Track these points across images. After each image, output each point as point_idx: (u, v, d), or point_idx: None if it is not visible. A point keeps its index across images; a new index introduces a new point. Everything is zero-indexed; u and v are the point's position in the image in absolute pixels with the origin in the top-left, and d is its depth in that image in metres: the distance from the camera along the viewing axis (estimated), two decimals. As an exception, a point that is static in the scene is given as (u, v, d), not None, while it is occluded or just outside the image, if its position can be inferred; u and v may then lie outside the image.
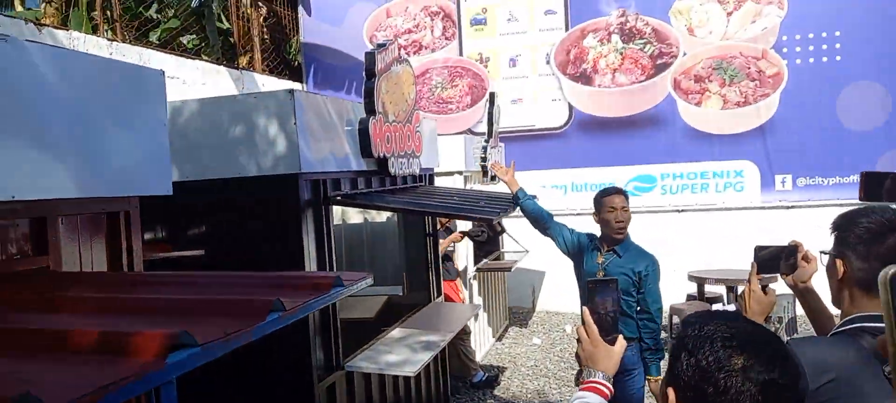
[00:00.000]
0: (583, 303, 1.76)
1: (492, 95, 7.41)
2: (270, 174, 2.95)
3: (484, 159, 7.13)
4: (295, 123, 2.88)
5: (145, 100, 1.98)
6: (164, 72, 2.02)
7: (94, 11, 8.14)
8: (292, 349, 3.11)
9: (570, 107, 9.24)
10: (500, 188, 7.19)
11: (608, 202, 3.76)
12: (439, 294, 5.10)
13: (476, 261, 7.27)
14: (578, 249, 3.94)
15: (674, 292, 7.90)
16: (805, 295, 2.07)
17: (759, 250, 2.10)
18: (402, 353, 3.72)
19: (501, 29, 9.33)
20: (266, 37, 9.83)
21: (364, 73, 3.78)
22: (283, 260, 3.01)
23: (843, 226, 1.75)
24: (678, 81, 8.76)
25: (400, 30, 9.61)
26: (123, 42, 7.30)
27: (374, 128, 3.66)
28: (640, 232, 8.82)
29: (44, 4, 7.90)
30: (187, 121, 3.04)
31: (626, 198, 3.81)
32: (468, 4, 9.43)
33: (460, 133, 9.01)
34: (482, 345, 7.07)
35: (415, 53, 9.59)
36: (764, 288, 2.02)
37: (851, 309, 1.68)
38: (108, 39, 6.45)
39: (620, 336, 1.61)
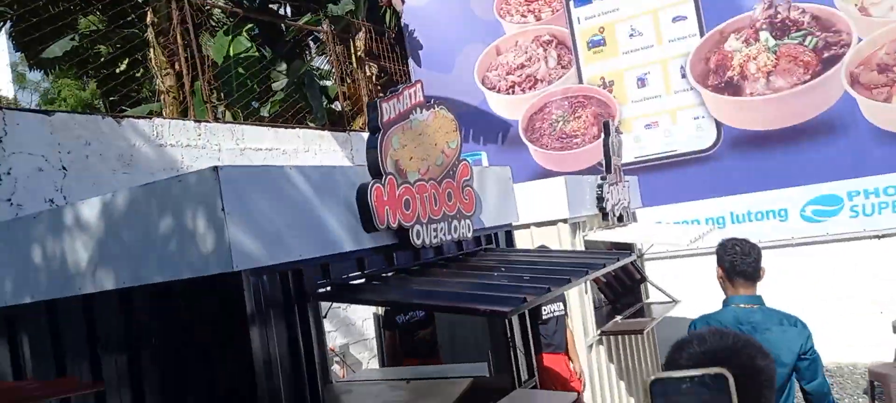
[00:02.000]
0: None
1: (606, 124, 6.30)
2: (205, 275, 2.28)
3: (600, 199, 6.03)
4: (222, 209, 2.19)
5: None
6: None
7: (212, 96, 8.36)
8: None
9: (718, 125, 7.75)
10: (620, 235, 6.01)
11: None
12: (530, 376, 4.08)
13: (607, 319, 6.08)
14: None
15: (875, 345, 6.09)
16: None
17: None
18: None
19: (624, 46, 8.15)
20: (381, 95, 9.54)
21: (368, 130, 3.04)
22: (232, 377, 2.31)
23: None
24: (856, 75, 6.94)
25: (512, 66, 8.81)
26: (232, 123, 7.31)
27: (378, 195, 2.87)
28: (825, 268, 7.10)
29: (163, 96, 8.25)
30: (122, 215, 2.49)
31: None
32: (583, 27, 8.38)
33: (586, 171, 7.93)
34: (617, 427, 5.83)
35: (530, 89, 8.71)
36: None
37: None
38: (197, 122, 6.40)
39: None
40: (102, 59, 10.12)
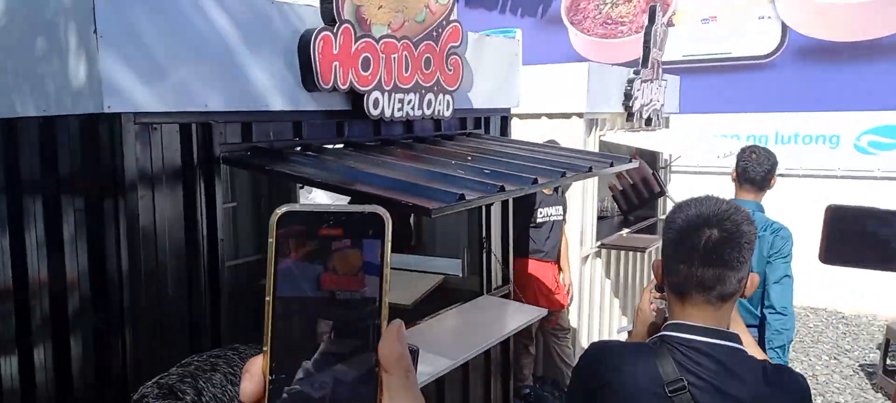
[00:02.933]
0: None
1: (653, 9, 5.54)
2: (77, 114, 1.86)
3: (628, 96, 5.39)
4: (95, 30, 1.73)
5: None
6: None
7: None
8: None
9: (784, 28, 6.85)
10: (644, 140, 5.42)
11: None
12: (505, 282, 3.72)
13: (614, 231, 5.61)
14: None
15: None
16: None
17: None
18: None
19: (691, -76, 7.13)
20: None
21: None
22: (111, 246, 1.94)
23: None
24: (957, -10, 5.94)
25: (562, -68, 7.86)
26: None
27: (326, 46, 2.36)
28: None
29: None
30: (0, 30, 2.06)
31: None
32: None
33: (627, 65, 7.19)
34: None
35: (578, -39, 7.80)
36: None
37: None
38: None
39: None
40: None
